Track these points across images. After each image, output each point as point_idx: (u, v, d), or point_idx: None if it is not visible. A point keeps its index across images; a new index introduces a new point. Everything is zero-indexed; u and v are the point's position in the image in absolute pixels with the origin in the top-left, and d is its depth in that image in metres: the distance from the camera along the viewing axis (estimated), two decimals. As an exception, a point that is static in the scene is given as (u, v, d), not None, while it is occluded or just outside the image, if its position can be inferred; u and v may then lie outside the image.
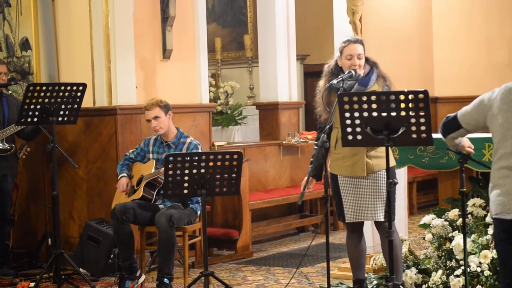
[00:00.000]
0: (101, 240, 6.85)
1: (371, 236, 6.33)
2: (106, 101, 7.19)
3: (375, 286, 5.84)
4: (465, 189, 5.11)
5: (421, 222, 5.97)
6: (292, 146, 8.94)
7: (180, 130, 6.56)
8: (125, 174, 6.53)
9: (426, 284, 5.67)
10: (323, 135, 5.08)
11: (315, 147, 5.39)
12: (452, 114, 4.23)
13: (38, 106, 6.33)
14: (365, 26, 8.33)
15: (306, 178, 5.33)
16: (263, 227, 8.48)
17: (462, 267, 5.43)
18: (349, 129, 4.61)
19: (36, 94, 6.30)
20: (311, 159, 5.42)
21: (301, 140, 8.89)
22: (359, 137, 4.61)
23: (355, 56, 5.33)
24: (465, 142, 4.75)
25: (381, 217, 5.29)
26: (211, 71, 11.67)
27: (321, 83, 5.50)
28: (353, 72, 5.28)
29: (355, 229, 5.48)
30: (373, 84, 5.36)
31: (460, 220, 5.60)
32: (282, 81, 9.07)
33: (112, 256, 6.83)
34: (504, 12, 10.88)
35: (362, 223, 5.49)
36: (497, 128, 3.86)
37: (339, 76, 5.31)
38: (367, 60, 5.44)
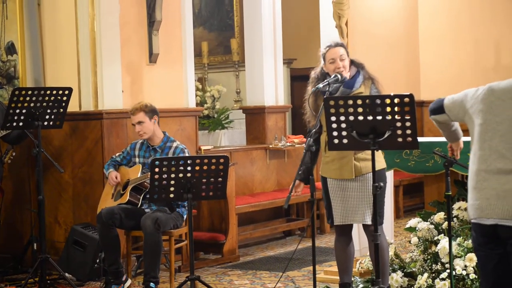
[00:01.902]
0: (87, 244, 6.84)
1: (357, 239, 6.34)
2: (92, 105, 7.18)
3: (361, 290, 5.85)
4: (450, 193, 5.13)
5: (407, 226, 5.99)
6: (278, 150, 8.94)
7: (166, 134, 6.56)
8: (113, 170, 6.53)
9: (412, 288, 5.69)
10: (309, 139, 5.09)
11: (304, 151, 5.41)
12: (442, 98, 4.22)
13: (24, 111, 6.30)
14: (351, 30, 8.33)
15: (294, 181, 5.34)
16: (249, 231, 8.48)
17: (448, 270, 5.45)
18: (335, 133, 4.61)
19: (21, 98, 6.27)
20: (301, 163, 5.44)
21: (288, 144, 8.89)
22: (345, 141, 4.61)
23: (338, 58, 5.35)
24: (460, 144, 4.76)
25: (368, 220, 5.30)
26: (198, 75, 11.67)
27: (309, 89, 5.52)
28: (339, 76, 5.30)
29: (344, 232, 5.49)
30: (359, 86, 5.37)
31: (446, 223, 5.61)
32: (268, 85, 9.08)
33: (98, 260, 6.81)
34: (491, 15, 10.92)
35: (351, 226, 5.50)
36: (476, 128, 3.84)
37: (325, 80, 5.33)
38: (353, 62, 5.46)
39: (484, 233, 3.77)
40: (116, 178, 6.48)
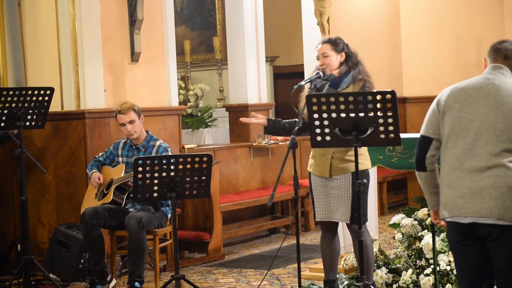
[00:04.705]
0: (71, 245, 6.81)
1: (342, 236, 6.35)
2: (74, 105, 7.15)
3: (346, 287, 5.85)
4: (433, 189, 5.13)
5: (391, 222, 6.00)
6: (262, 148, 8.94)
7: (149, 133, 6.54)
8: (96, 170, 6.51)
9: (397, 284, 5.69)
10: (292, 137, 5.08)
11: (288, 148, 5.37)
12: (417, 143, 3.98)
13: (5, 111, 6.26)
14: (333, 27, 8.35)
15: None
16: (234, 229, 8.47)
17: (432, 266, 5.47)
18: (317, 130, 4.61)
19: (3, 98, 6.23)
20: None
21: (271, 141, 8.89)
22: (327, 138, 4.62)
23: (321, 56, 5.35)
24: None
25: (347, 220, 5.31)
26: (181, 73, 11.64)
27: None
28: (321, 73, 5.30)
29: (328, 229, 5.49)
30: (346, 87, 5.32)
31: (429, 219, 5.63)
32: (251, 83, 9.08)
33: (82, 261, 6.79)
34: (472, 11, 10.96)
35: (336, 223, 5.50)
36: (448, 127, 3.82)
37: (308, 78, 5.34)
38: (348, 60, 5.41)
39: (461, 231, 3.77)
40: (98, 179, 6.45)
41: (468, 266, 3.78)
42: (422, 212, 5.81)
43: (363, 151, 5.35)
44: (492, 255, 3.72)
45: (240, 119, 5.80)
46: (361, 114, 4.50)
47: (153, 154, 6.34)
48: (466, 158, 3.73)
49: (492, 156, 3.69)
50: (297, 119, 5.21)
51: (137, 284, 6.04)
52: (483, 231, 3.69)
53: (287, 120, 5.49)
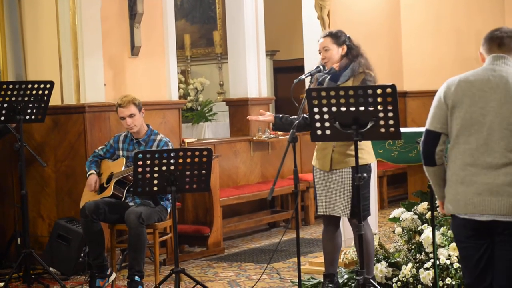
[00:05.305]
0: (71, 238, 6.82)
1: (342, 230, 6.34)
2: (74, 99, 7.15)
3: (345, 280, 5.86)
4: (433, 183, 5.13)
5: (391, 216, 6.00)
6: (262, 142, 8.94)
7: (150, 127, 6.54)
8: (94, 171, 6.48)
9: (397, 278, 5.70)
10: (292, 131, 5.08)
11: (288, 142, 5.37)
12: (421, 137, 3.91)
13: (5, 105, 6.26)
14: (333, 20, 8.35)
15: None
16: (234, 223, 8.48)
17: (432, 260, 5.48)
18: (318, 124, 4.61)
19: (3, 92, 6.23)
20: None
21: (272, 136, 8.89)
22: (328, 132, 4.62)
23: (322, 50, 5.36)
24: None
25: (347, 214, 5.31)
26: (181, 67, 11.64)
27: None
28: (321, 67, 5.30)
29: (330, 223, 5.50)
30: (346, 80, 5.31)
31: (429, 213, 5.63)
32: (251, 77, 9.07)
33: (82, 254, 6.80)
34: (471, 5, 10.96)
35: (337, 217, 5.50)
36: (458, 122, 3.75)
37: (308, 71, 5.34)
38: (349, 53, 5.39)
39: (475, 227, 3.72)
40: (95, 183, 6.42)
41: (476, 260, 3.75)
42: (422, 206, 5.81)
43: (367, 145, 5.35)
44: (499, 247, 3.70)
45: (248, 117, 5.78)
46: (361, 108, 4.50)
47: (154, 148, 6.33)
48: (480, 154, 3.68)
49: (508, 152, 3.64)
50: (304, 115, 5.20)
51: (137, 278, 6.04)
52: (499, 227, 3.67)
53: (295, 116, 5.47)
